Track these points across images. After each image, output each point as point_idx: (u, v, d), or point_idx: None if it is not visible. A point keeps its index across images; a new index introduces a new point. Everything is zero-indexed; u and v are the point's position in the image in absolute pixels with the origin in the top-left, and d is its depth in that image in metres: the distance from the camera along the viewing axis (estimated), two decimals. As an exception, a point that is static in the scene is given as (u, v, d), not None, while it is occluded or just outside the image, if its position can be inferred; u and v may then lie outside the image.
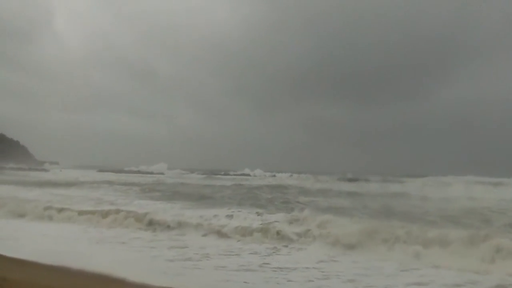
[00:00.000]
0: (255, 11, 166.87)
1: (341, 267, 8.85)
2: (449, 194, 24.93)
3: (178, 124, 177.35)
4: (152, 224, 13.48)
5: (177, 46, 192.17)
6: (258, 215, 14.02)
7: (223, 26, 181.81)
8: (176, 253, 9.98)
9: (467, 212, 15.58)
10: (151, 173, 59.00)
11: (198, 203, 18.58)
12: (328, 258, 9.71)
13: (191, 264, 8.84)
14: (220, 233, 12.25)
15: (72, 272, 7.36)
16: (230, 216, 13.86)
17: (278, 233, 11.85)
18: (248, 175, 58.24)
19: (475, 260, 9.04)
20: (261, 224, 12.67)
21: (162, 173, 58.35)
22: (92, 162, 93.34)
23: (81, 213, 15.20)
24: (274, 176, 54.37)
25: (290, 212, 14.72)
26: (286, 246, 10.98)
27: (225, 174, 58.15)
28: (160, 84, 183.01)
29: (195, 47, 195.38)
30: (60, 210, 15.63)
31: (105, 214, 14.61)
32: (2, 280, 5.50)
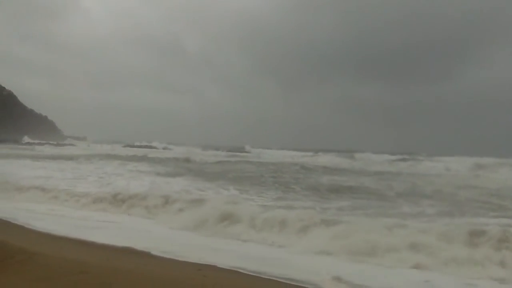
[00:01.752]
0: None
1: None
2: (474, 174, 24.43)
3: (205, 100, 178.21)
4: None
5: (204, 23, 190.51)
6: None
7: (250, 3, 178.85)
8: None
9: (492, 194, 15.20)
10: (170, 149, 59.91)
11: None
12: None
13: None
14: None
15: (97, 245, 7.56)
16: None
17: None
18: (248, 153, 57.57)
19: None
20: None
21: (186, 152, 58.97)
22: (119, 137, 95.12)
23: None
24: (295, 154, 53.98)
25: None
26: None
27: (247, 152, 58.03)
28: (187, 61, 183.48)
29: (222, 24, 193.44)
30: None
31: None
32: (33, 254, 5.66)
